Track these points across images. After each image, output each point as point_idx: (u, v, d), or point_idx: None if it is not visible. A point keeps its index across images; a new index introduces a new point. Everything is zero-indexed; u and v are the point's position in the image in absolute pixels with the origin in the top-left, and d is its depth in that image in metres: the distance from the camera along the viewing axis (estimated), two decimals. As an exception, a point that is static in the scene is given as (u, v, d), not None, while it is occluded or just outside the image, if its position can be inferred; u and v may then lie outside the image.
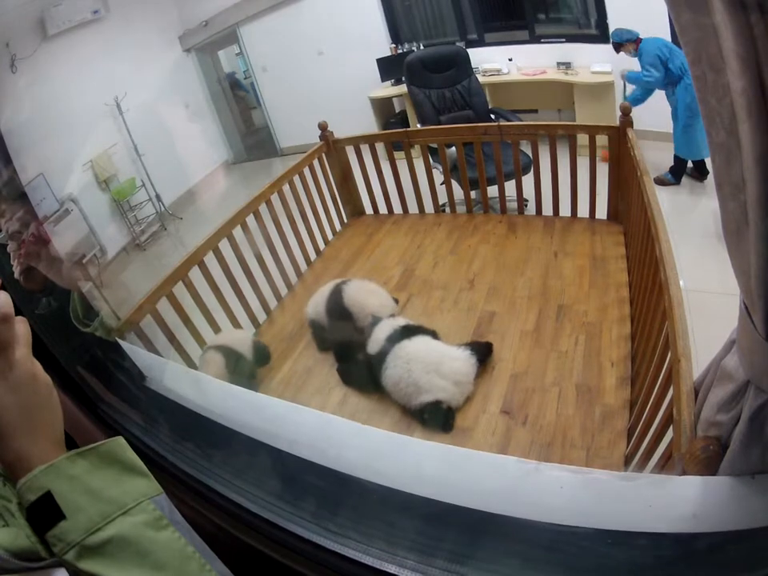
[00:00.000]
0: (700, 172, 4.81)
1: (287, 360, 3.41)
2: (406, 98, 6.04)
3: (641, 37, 4.78)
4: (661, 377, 1.99)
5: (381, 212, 4.90)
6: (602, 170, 3.98)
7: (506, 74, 6.14)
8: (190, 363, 3.22)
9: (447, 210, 4.78)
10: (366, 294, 3.47)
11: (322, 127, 4.65)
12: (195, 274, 3.38)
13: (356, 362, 3.20)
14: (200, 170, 6.85)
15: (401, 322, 3.18)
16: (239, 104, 7.96)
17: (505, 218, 4.46)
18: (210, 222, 3.88)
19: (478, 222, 4.48)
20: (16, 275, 1.45)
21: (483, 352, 3.02)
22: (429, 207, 4.76)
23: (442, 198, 4.73)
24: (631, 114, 3.71)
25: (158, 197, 6.26)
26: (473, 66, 5.44)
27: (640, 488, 1.14)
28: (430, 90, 5.29)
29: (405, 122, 6.47)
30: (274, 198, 4.11)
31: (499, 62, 6.10)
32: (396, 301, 3.56)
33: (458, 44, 6.20)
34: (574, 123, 5.14)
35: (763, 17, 0.63)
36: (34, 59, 4.82)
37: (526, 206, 4.50)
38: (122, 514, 0.76)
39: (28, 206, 1.78)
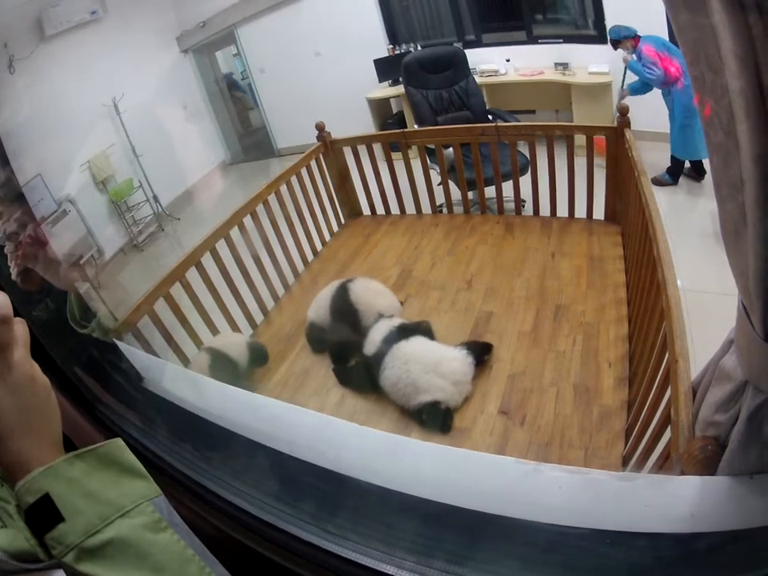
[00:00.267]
0: (697, 172, 4.81)
1: (284, 361, 3.40)
2: (404, 98, 6.04)
3: (639, 35, 4.79)
4: (658, 377, 1.99)
5: (378, 213, 4.89)
6: (600, 171, 3.98)
7: (504, 75, 6.13)
8: (188, 364, 3.21)
9: (445, 210, 4.78)
10: (374, 294, 3.48)
11: (320, 128, 4.64)
12: (192, 275, 3.38)
13: (355, 362, 3.20)
14: (197, 170, 6.84)
15: (396, 322, 3.18)
16: (237, 105, 7.95)
17: (502, 218, 4.46)
18: (207, 222, 3.87)
19: (476, 223, 4.48)
20: (13, 276, 1.45)
21: (482, 351, 3.03)
22: (426, 208, 4.76)
23: (440, 199, 4.73)
24: (628, 115, 3.71)
25: (155, 197, 6.25)
26: (470, 67, 5.44)
27: (638, 488, 1.15)
28: (428, 90, 5.29)
29: (402, 123, 6.46)
30: (272, 199, 4.11)
31: (497, 62, 6.10)
32: (401, 303, 3.56)
33: (455, 45, 6.19)
34: (572, 124, 5.14)
35: (762, 17, 0.63)
36: (32, 60, 4.81)
37: (524, 206, 4.50)
38: (120, 516, 0.76)
39: (26, 206, 1.77)
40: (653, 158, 4.70)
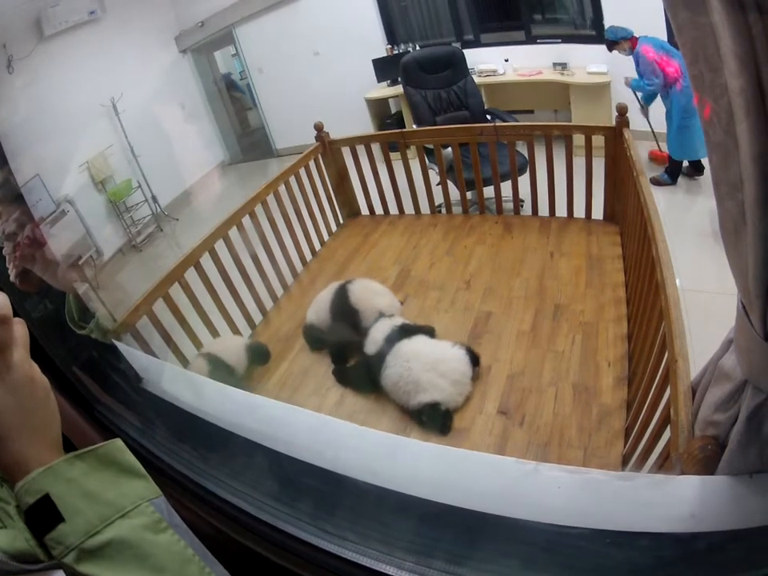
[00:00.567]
0: (696, 169, 4.80)
1: (283, 361, 3.40)
2: (402, 98, 6.03)
3: (636, 36, 4.79)
4: (658, 377, 1.99)
5: (377, 213, 4.89)
6: (599, 171, 3.98)
7: (502, 75, 6.13)
8: (186, 365, 3.21)
9: (443, 210, 4.77)
10: (374, 294, 3.48)
11: (318, 128, 4.64)
12: (191, 276, 3.37)
13: (356, 362, 3.20)
14: (196, 170, 6.83)
15: (398, 321, 3.18)
16: (235, 105, 7.94)
17: (501, 218, 4.46)
18: (205, 223, 3.87)
19: (474, 223, 4.48)
20: (12, 277, 1.45)
21: (473, 357, 3.03)
22: (425, 208, 4.76)
23: (438, 199, 4.73)
24: (627, 115, 3.72)
25: (154, 198, 6.25)
26: (469, 67, 5.44)
27: (638, 488, 1.14)
28: (426, 90, 5.29)
29: (401, 123, 6.45)
30: (270, 199, 4.11)
31: (495, 62, 6.09)
32: (401, 302, 3.56)
33: (453, 45, 6.19)
34: (570, 124, 5.14)
35: (761, 17, 0.63)
36: (31, 60, 4.81)
37: (522, 206, 4.50)
38: (120, 516, 0.76)
39: (24, 207, 1.77)
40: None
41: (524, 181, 4.29)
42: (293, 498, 1.35)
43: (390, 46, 6.58)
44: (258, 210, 3.98)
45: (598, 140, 3.89)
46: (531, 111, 6.29)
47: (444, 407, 2.77)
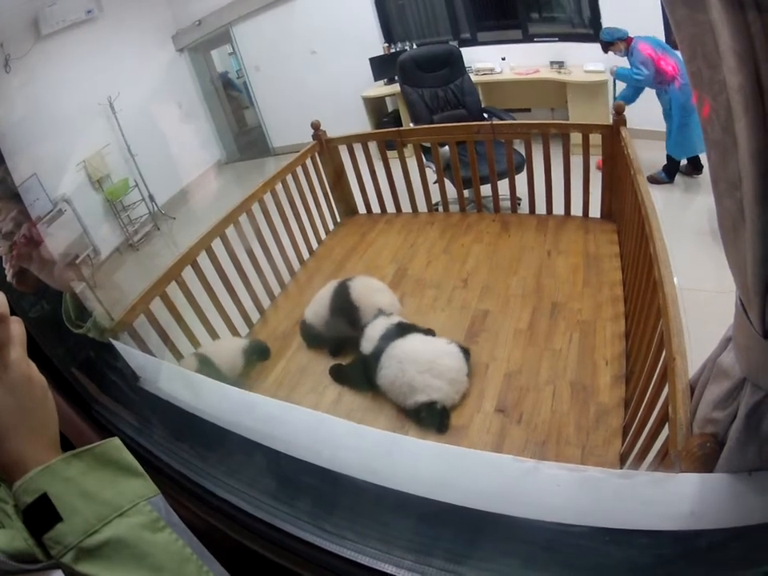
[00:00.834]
0: (694, 167, 4.81)
1: (281, 359, 3.40)
2: (399, 97, 6.04)
3: (631, 36, 4.80)
4: (656, 375, 1.99)
5: (374, 211, 4.89)
6: (596, 169, 3.98)
7: (499, 73, 6.13)
8: (184, 358, 3.22)
9: (440, 209, 4.77)
10: (374, 291, 3.47)
11: (315, 126, 4.64)
12: (188, 274, 3.37)
13: (352, 361, 3.20)
14: (193, 169, 6.83)
15: (394, 320, 3.18)
16: (232, 104, 7.94)
17: (498, 216, 4.46)
18: (203, 221, 3.87)
19: (471, 221, 4.48)
20: (8, 277, 1.45)
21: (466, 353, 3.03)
22: (422, 206, 4.76)
23: (435, 197, 4.73)
24: (624, 114, 3.72)
25: (150, 197, 6.25)
26: (466, 65, 5.45)
27: (637, 486, 1.15)
28: (423, 89, 5.29)
29: (398, 122, 6.46)
30: (267, 198, 4.11)
31: (492, 61, 6.10)
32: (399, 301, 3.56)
33: (450, 43, 6.19)
34: (567, 122, 5.15)
35: (760, 14, 0.63)
36: (28, 59, 4.80)
37: (519, 204, 4.50)
38: (118, 515, 0.76)
39: (21, 206, 1.77)
40: (649, 156, 4.71)
41: (521, 179, 4.29)
42: (291, 496, 1.35)
43: (386, 45, 6.58)
44: (255, 208, 3.98)
45: (596, 138, 3.89)
46: (528, 110, 6.29)
47: (440, 405, 2.77)
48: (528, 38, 6.07)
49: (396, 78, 5.68)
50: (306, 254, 4.45)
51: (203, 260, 3.47)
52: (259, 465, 1.47)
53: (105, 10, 5.49)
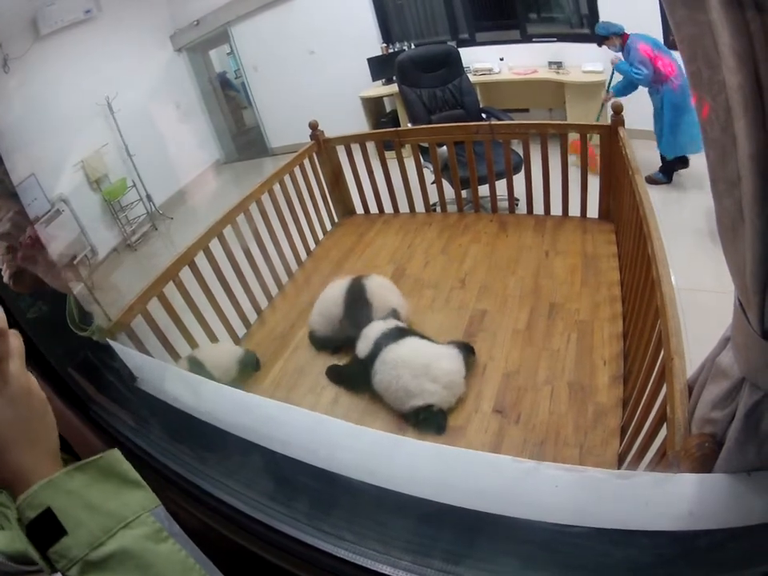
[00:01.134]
0: (681, 162, 4.84)
1: (278, 360, 3.40)
2: (397, 97, 6.05)
3: (627, 32, 4.81)
4: (654, 375, 1.99)
5: (371, 211, 4.90)
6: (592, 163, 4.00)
7: (498, 74, 6.15)
8: (177, 360, 3.21)
9: (438, 209, 4.78)
10: (387, 291, 3.48)
11: (313, 126, 4.64)
12: (186, 275, 3.37)
13: (348, 363, 3.19)
14: (191, 169, 6.84)
15: (390, 324, 3.17)
16: (230, 104, 7.95)
17: (496, 217, 4.47)
18: (200, 221, 3.87)
19: (469, 221, 4.48)
20: (5, 279, 1.44)
21: (466, 351, 3.02)
22: (420, 206, 4.77)
23: (433, 198, 4.74)
24: (623, 114, 3.72)
25: (148, 197, 6.26)
26: (464, 66, 5.45)
27: (636, 486, 1.14)
28: (421, 89, 5.29)
29: (396, 122, 6.47)
30: (265, 198, 4.11)
31: (490, 61, 6.12)
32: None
33: (449, 43, 6.21)
34: (566, 122, 5.16)
35: (759, 14, 0.63)
36: (26, 59, 4.80)
37: (517, 205, 4.51)
38: (122, 527, 0.76)
39: (19, 206, 1.76)
40: (646, 155, 4.72)
41: (519, 179, 4.30)
42: (288, 497, 1.34)
43: (385, 45, 6.59)
44: (253, 208, 3.98)
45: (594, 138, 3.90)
46: (526, 110, 6.31)
47: (437, 408, 2.76)
48: (526, 39, 6.09)
49: (394, 78, 5.69)
50: (303, 255, 4.45)
51: (201, 260, 3.47)
52: (257, 465, 1.46)
53: (103, 10, 5.50)
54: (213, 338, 3.48)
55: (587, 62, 5.38)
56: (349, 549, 1.14)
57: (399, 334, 3.08)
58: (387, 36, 6.60)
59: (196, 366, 3.20)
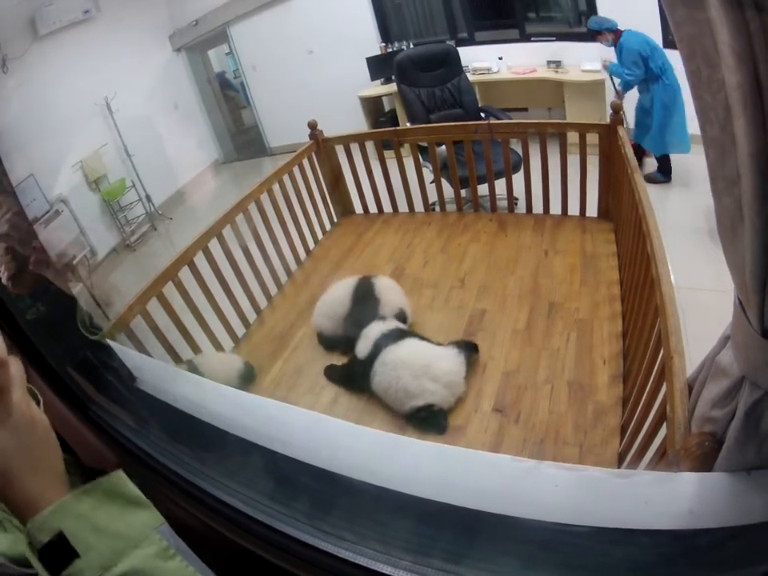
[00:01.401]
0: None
1: (277, 360, 3.40)
2: (396, 96, 6.05)
3: (620, 29, 4.82)
4: (653, 374, 1.99)
5: (371, 211, 4.90)
6: (593, 168, 3.99)
7: (496, 73, 6.16)
8: (180, 364, 3.20)
9: (437, 208, 4.78)
10: (394, 291, 3.50)
11: (312, 126, 4.64)
12: (185, 275, 3.37)
13: (347, 363, 3.19)
14: (190, 169, 6.85)
15: (390, 325, 3.17)
16: (229, 103, 7.96)
17: (495, 216, 4.47)
18: (199, 221, 3.87)
19: (468, 221, 4.48)
20: (3, 280, 1.44)
21: (469, 350, 3.02)
22: (419, 206, 4.77)
23: (432, 197, 4.74)
24: (622, 113, 3.73)
25: (147, 197, 6.26)
26: (463, 65, 5.45)
27: (636, 485, 1.14)
28: (420, 88, 5.29)
29: (395, 121, 6.47)
30: (264, 198, 4.11)
31: (489, 60, 6.12)
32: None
33: (448, 43, 6.21)
34: (565, 121, 5.16)
35: (759, 13, 0.63)
36: (25, 59, 4.80)
37: (516, 204, 4.51)
38: (132, 547, 0.77)
39: (18, 207, 1.76)
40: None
41: (518, 179, 4.30)
42: (288, 497, 1.34)
43: (383, 44, 6.59)
44: (252, 208, 3.98)
45: (593, 137, 3.90)
46: (525, 109, 6.32)
47: (437, 408, 2.76)
48: (525, 38, 6.09)
49: (393, 77, 5.69)
50: (302, 255, 4.45)
51: (200, 260, 3.47)
52: (257, 465, 1.46)
53: (102, 10, 5.50)
54: (212, 337, 3.47)
55: (586, 61, 5.38)
56: (349, 549, 1.14)
57: (399, 335, 3.08)
58: (386, 35, 6.60)
59: (191, 369, 3.19)
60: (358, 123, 6.61)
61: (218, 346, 3.50)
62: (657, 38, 4.68)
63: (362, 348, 3.09)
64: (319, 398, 3.07)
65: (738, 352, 0.98)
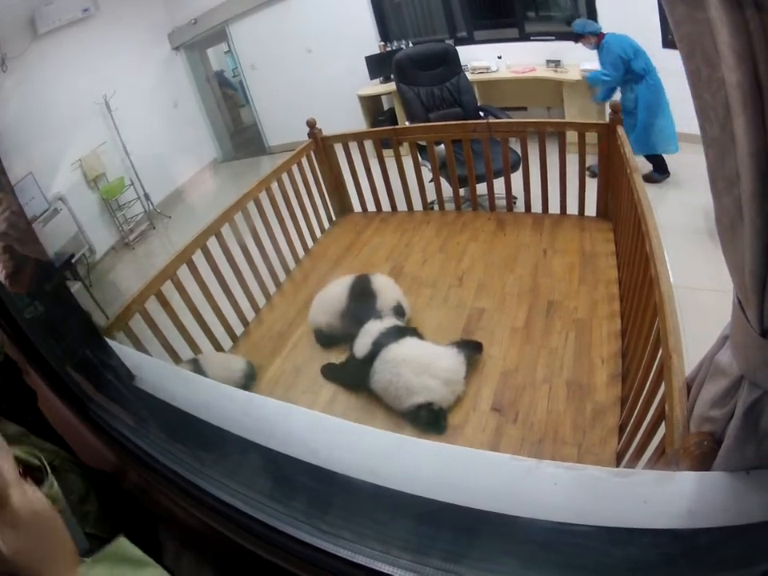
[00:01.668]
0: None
1: (276, 358, 3.40)
2: (395, 95, 6.05)
3: (603, 32, 4.84)
4: (652, 373, 1.99)
5: (369, 210, 4.90)
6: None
7: (495, 72, 6.16)
8: (179, 362, 3.20)
9: (436, 207, 4.79)
10: (392, 289, 3.51)
11: (311, 125, 4.64)
12: (184, 273, 3.37)
13: (345, 361, 3.18)
14: (188, 168, 6.85)
15: (389, 323, 3.17)
16: (228, 102, 7.96)
17: (494, 215, 4.47)
18: (198, 220, 3.86)
19: (467, 220, 4.48)
20: (1, 278, 1.44)
21: (472, 349, 3.02)
22: (417, 205, 4.77)
23: (431, 196, 4.74)
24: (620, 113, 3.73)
25: (146, 196, 6.27)
26: (462, 64, 5.45)
27: (635, 484, 1.14)
28: (419, 87, 5.29)
29: (393, 120, 6.47)
30: (263, 196, 4.11)
31: (488, 59, 6.12)
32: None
33: (447, 42, 6.21)
34: (564, 120, 5.16)
35: (758, 13, 0.63)
36: (24, 58, 4.80)
37: (515, 203, 4.51)
38: None
39: (15, 206, 1.76)
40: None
41: (517, 177, 4.30)
42: (287, 496, 1.34)
43: (382, 43, 6.59)
44: (251, 207, 3.98)
45: (592, 137, 3.90)
46: (524, 108, 6.32)
47: (437, 407, 2.76)
48: (524, 37, 6.09)
49: (392, 76, 5.68)
50: (301, 253, 4.45)
51: (199, 259, 3.47)
52: (255, 464, 1.46)
53: (101, 9, 5.49)
54: (211, 336, 3.47)
55: (585, 60, 5.37)
56: (348, 548, 1.14)
57: (399, 333, 3.08)
58: (385, 34, 6.60)
59: (195, 370, 3.19)
60: (357, 122, 6.60)
61: (217, 345, 3.50)
62: (656, 38, 4.69)
63: (362, 346, 3.08)
64: (318, 397, 3.07)
65: (737, 351, 0.98)
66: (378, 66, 6.46)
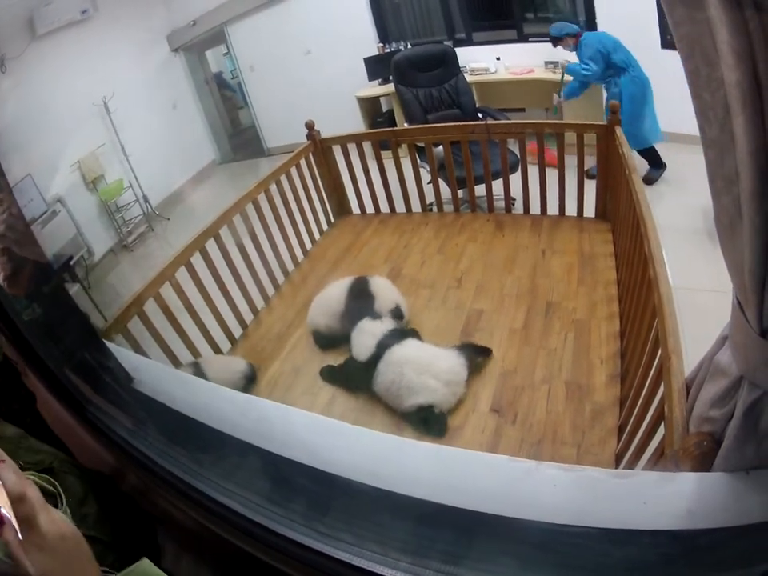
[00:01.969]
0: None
1: (275, 360, 3.39)
2: (394, 97, 6.05)
3: (581, 32, 4.84)
4: (651, 374, 1.99)
5: (368, 211, 4.90)
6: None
7: (494, 73, 6.15)
8: (177, 365, 3.20)
9: (434, 209, 4.78)
10: (390, 290, 3.51)
11: (309, 126, 4.64)
12: (182, 275, 3.36)
13: (344, 364, 3.18)
14: (187, 170, 6.85)
15: (388, 325, 3.16)
16: (226, 104, 7.96)
17: (492, 216, 4.47)
18: (197, 222, 3.86)
19: (466, 221, 4.48)
20: (0, 281, 1.44)
21: (477, 353, 3.02)
22: (416, 206, 4.76)
23: (429, 197, 4.73)
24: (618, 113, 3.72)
25: (145, 197, 6.26)
26: (460, 65, 5.45)
27: (634, 485, 1.14)
28: (418, 89, 5.29)
29: (392, 122, 6.47)
30: (261, 198, 4.10)
31: (487, 61, 6.12)
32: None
33: (445, 43, 6.21)
34: (562, 122, 5.15)
35: (758, 13, 0.63)
36: (23, 59, 4.80)
37: (514, 204, 4.51)
38: None
39: (14, 208, 1.76)
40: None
41: (515, 179, 4.30)
42: (286, 498, 1.34)
43: (381, 45, 6.59)
44: (249, 209, 3.97)
45: (590, 138, 3.90)
46: (523, 109, 6.31)
47: (438, 410, 2.76)
48: (523, 38, 6.09)
49: (390, 77, 5.68)
50: (300, 255, 4.44)
51: (197, 261, 3.46)
52: (254, 467, 1.46)
53: (100, 10, 5.49)
54: (209, 338, 3.47)
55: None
56: (347, 550, 1.14)
57: (400, 335, 3.08)
58: (384, 36, 6.60)
59: (196, 372, 3.18)
60: (356, 123, 6.60)
61: (215, 347, 3.50)
62: (655, 38, 4.68)
63: (364, 348, 3.08)
64: (317, 399, 3.07)
65: (737, 352, 0.98)
66: (376, 67, 6.46)
